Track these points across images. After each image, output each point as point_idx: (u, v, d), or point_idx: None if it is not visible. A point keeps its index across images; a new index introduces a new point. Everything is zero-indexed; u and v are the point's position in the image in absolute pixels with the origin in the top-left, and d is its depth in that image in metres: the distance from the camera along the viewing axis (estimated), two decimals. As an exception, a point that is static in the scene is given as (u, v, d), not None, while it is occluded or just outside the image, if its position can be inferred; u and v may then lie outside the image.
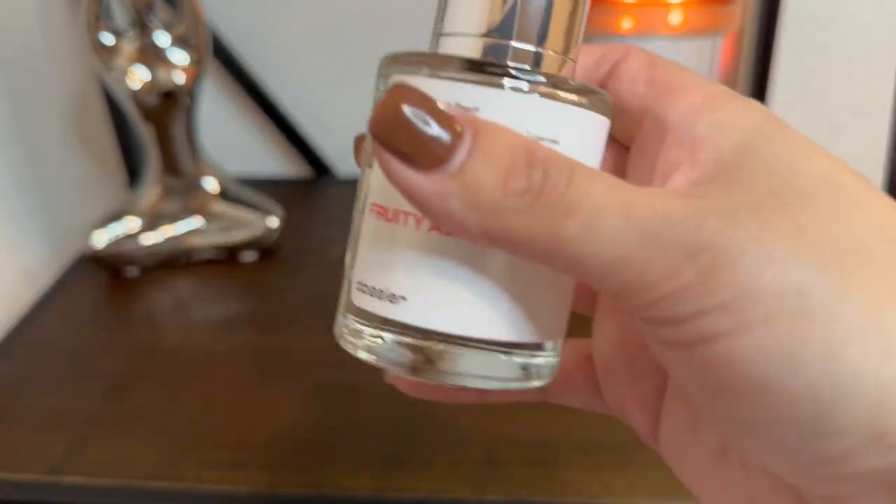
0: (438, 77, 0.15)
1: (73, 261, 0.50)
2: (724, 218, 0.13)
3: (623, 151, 0.18)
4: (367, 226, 0.17)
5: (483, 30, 0.16)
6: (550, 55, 0.16)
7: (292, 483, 0.30)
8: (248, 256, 0.49)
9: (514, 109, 0.15)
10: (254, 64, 0.58)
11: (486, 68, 0.15)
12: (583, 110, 0.16)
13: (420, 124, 0.13)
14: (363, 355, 0.17)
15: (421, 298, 0.16)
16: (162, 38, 0.44)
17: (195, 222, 0.48)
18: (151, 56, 0.44)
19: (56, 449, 0.33)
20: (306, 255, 0.50)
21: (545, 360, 0.17)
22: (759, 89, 0.53)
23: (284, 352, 0.40)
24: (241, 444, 0.33)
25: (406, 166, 0.13)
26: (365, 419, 0.34)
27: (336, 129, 0.61)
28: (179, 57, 0.45)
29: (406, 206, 0.15)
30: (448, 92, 0.15)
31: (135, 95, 0.45)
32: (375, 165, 0.16)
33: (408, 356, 0.16)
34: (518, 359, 0.17)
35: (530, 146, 0.14)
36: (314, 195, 0.60)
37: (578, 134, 0.16)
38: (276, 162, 0.62)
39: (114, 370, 0.38)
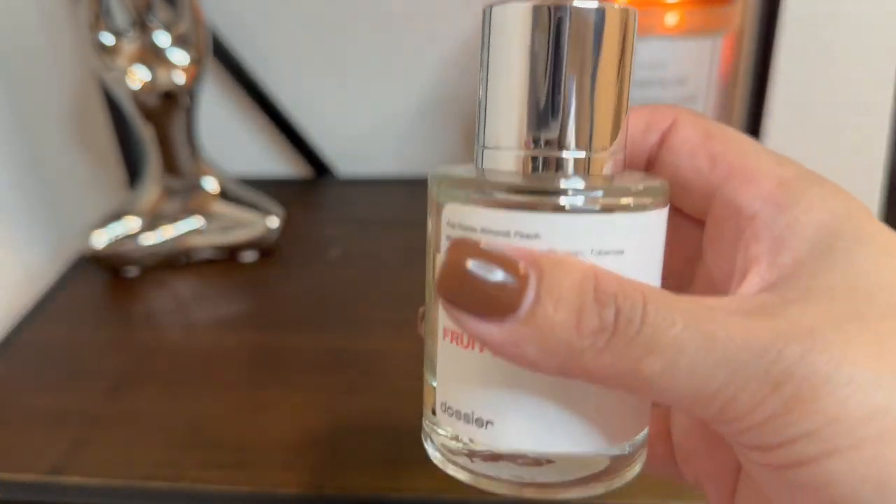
0: (492, 206, 0.15)
1: (73, 261, 0.50)
2: (805, 342, 0.13)
3: (681, 223, 0.18)
4: (444, 349, 0.17)
5: (528, 142, 0.16)
6: (600, 156, 0.16)
7: (292, 483, 0.30)
8: (248, 256, 0.49)
9: (575, 231, 0.15)
10: (254, 64, 0.58)
11: (541, 190, 0.15)
12: (643, 213, 0.16)
13: (485, 276, 0.14)
14: (459, 474, 0.17)
15: (508, 422, 0.16)
16: (162, 38, 0.44)
17: (195, 222, 0.48)
18: (151, 56, 0.44)
19: (56, 449, 0.33)
20: (306, 255, 0.50)
21: (640, 443, 0.17)
22: (759, 89, 0.53)
23: (284, 352, 0.40)
24: (241, 444, 0.33)
25: (477, 320, 0.14)
26: (365, 419, 0.34)
27: (336, 129, 0.61)
28: (179, 57, 0.45)
29: None
30: (505, 221, 0.15)
31: (135, 95, 0.45)
32: None
33: (503, 477, 0.16)
34: (612, 455, 0.17)
35: (597, 279, 0.14)
36: (314, 195, 0.60)
37: (642, 239, 0.16)
38: (276, 162, 0.62)
39: (114, 370, 0.38)
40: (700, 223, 0.18)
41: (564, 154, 0.16)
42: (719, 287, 0.17)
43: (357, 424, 0.34)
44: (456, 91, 0.58)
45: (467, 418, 0.16)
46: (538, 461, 0.16)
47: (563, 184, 0.16)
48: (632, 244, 0.15)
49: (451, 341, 0.17)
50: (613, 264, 0.15)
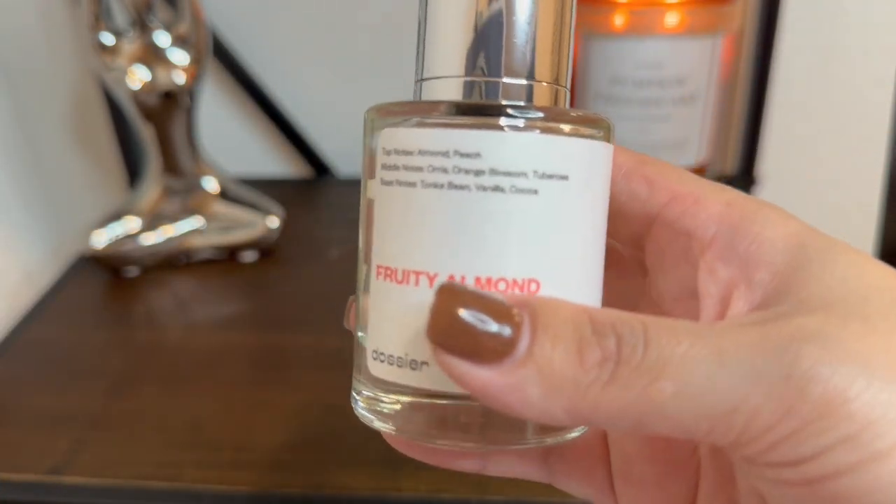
0: (430, 126, 0.15)
1: (73, 261, 0.50)
2: (821, 342, 0.12)
3: (614, 252, 0.18)
4: (375, 291, 0.16)
5: (468, 70, 0.15)
6: (542, 86, 0.16)
7: (292, 483, 0.30)
8: (248, 256, 0.49)
9: (517, 150, 0.14)
10: (254, 64, 0.58)
11: (482, 110, 0.15)
12: (587, 141, 0.15)
13: (478, 325, 0.13)
14: (382, 426, 0.16)
15: None
16: (162, 38, 0.44)
17: (195, 222, 0.48)
18: (151, 56, 0.44)
19: (56, 449, 0.33)
20: (306, 255, 0.50)
21: None
22: (758, 89, 0.53)
23: (284, 352, 0.40)
24: (241, 444, 0.33)
25: (473, 364, 0.13)
26: (365, 419, 0.34)
27: (336, 129, 0.61)
28: (179, 57, 0.45)
29: (416, 265, 0.15)
30: (445, 140, 0.14)
31: (135, 95, 0.45)
32: (376, 226, 0.16)
33: (431, 424, 0.15)
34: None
35: (591, 313, 0.13)
36: (314, 195, 0.60)
37: (587, 166, 0.15)
38: (276, 162, 0.62)
39: (114, 370, 0.38)
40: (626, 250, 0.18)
41: (505, 80, 0.15)
42: (669, 310, 0.17)
43: (357, 424, 0.34)
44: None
45: (400, 362, 0.15)
46: (465, 412, 0.15)
47: (503, 103, 0.15)
48: (577, 170, 0.15)
49: (385, 279, 0.15)
50: (557, 190, 0.15)
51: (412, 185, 0.15)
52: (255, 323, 0.43)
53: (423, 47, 0.16)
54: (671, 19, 0.43)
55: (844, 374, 0.12)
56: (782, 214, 0.15)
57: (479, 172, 0.14)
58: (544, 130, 0.15)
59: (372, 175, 0.16)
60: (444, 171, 0.14)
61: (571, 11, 0.16)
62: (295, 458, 0.32)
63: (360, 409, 0.17)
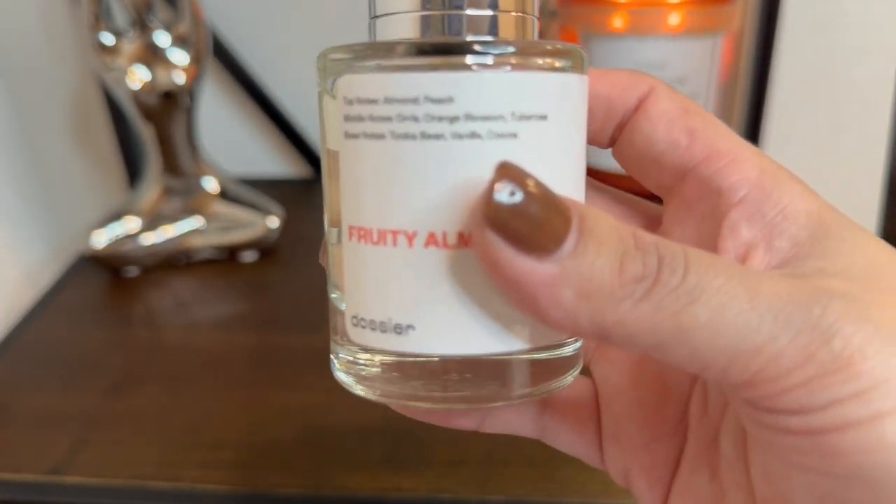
0: (394, 70, 0.13)
1: (73, 261, 0.50)
2: (847, 303, 0.13)
3: (625, 208, 0.18)
4: (349, 253, 0.15)
5: (425, 2, 0.14)
6: (509, 16, 0.14)
7: (292, 483, 0.30)
8: (248, 256, 0.49)
9: (493, 91, 0.13)
10: (254, 64, 0.58)
11: (445, 48, 0.14)
12: (564, 75, 0.14)
13: (534, 207, 0.12)
14: (362, 391, 0.16)
15: (431, 323, 0.14)
16: (162, 38, 0.44)
17: (195, 222, 0.48)
18: (151, 56, 0.44)
19: (56, 449, 0.33)
20: (306, 255, 0.50)
21: (567, 351, 0.16)
22: (759, 89, 0.53)
23: (284, 352, 0.40)
24: (241, 444, 0.33)
25: (516, 252, 0.12)
26: (365, 419, 0.34)
27: (336, 129, 0.61)
28: (179, 57, 0.45)
29: (392, 224, 0.14)
30: (412, 86, 0.13)
31: (135, 95, 0.45)
32: (343, 183, 0.15)
33: (414, 386, 0.15)
34: (535, 364, 0.15)
35: (635, 230, 0.13)
36: (314, 195, 0.60)
37: (564, 103, 0.14)
38: (276, 162, 0.62)
39: (114, 370, 0.38)
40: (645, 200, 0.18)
41: (468, 11, 0.14)
42: None
43: (357, 424, 0.34)
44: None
45: (383, 327, 0.14)
46: (455, 371, 0.14)
47: (468, 39, 0.14)
48: (554, 109, 0.14)
49: (359, 240, 0.14)
50: (537, 131, 0.14)
51: (381, 136, 0.13)
52: (255, 323, 0.43)
53: None
54: (671, 19, 0.43)
55: (865, 334, 0.12)
56: (808, 190, 0.16)
57: (453, 119, 0.13)
58: (518, 67, 0.13)
59: (331, 127, 0.15)
60: (415, 119, 0.13)
61: None
62: (295, 458, 0.32)
63: (339, 372, 0.16)
